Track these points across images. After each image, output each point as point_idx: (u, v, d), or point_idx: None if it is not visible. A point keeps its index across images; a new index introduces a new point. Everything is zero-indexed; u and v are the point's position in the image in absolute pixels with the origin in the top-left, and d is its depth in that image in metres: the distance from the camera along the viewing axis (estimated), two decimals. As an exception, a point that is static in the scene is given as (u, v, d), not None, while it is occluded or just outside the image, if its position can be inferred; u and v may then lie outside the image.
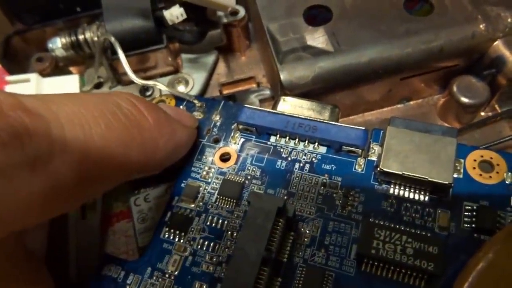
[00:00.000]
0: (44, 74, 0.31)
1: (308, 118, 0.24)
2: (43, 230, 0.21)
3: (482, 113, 0.30)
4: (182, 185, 0.24)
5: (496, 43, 0.28)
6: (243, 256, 0.20)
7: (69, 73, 0.33)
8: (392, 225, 0.21)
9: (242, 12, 0.32)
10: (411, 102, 0.31)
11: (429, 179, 0.21)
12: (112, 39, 0.27)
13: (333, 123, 0.24)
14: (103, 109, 0.17)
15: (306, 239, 0.22)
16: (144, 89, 0.31)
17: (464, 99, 0.28)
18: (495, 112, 0.29)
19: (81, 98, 0.17)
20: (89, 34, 0.30)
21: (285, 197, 0.23)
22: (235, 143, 0.25)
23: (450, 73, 0.29)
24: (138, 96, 0.21)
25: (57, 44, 0.30)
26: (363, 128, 0.23)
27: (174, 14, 0.27)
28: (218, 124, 0.26)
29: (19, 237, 0.18)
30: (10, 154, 0.13)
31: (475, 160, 0.23)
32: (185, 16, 0.27)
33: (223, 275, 0.21)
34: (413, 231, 0.20)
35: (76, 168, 0.15)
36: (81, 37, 0.30)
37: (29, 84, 0.30)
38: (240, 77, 0.33)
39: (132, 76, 0.27)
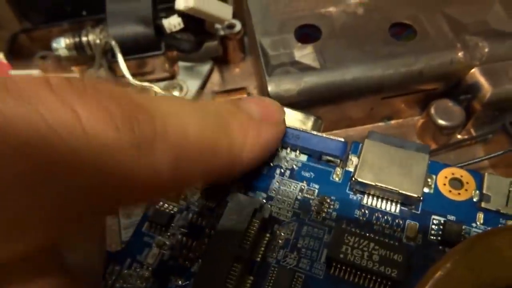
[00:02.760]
0: (46, 72, 0.32)
1: (292, 127, 0.24)
2: (93, 244, 0.19)
3: (459, 136, 0.30)
4: (167, 183, 0.24)
5: (472, 70, 0.28)
6: (217, 252, 0.20)
7: (71, 72, 0.33)
8: (362, 232, 0.21)
9: (238, 26, 0.32)
10: (392, 121, 0.32)
11: (400, 191, 0.21)
12: (113, 42, 0.28)
13: (315, 133, 0.24)
14: (197, 112, 0.18)
15: (280, 241, 0.22)
16: (141, 91, 0.32)
17: (441, 121, 0.28)
18: (470, 135, 0.30)
19: (178, 99, 0.18)
20: (92, 37, 0.31)
21: (264, 200, 0.23)
22: (221, 147, 0.25)
23: (429, 96, 0.29)
24: (225, 102, 0.21)
25: (61, 44, 0.31)
26: (343, 139, 0.24)
27: (172, 23, 0.27)
28: (206, 127, 0.26)
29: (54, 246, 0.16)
30: (121, 136, 0.14)
31: (446, 177, 0.23)
32: (182, 26, 0.28)
33: (198, 268, 0.21)
34: (381, 239, 0.21)
35: (172, 161, 0.15)
36: (84, 38, 0.31)
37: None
38: (232, 87, 0.33)
39: (128, 77, 0.27)
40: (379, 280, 0.20)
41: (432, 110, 0.28)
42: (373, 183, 0.22)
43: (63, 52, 0.31)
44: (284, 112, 0.23)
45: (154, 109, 0.16)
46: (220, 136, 0.19)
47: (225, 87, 0.33)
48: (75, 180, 0.13)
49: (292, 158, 0.24)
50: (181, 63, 0.33)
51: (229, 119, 0.19)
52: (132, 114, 0.14)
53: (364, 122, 0.31)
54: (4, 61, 0.36)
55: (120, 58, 0.27)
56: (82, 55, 0.31)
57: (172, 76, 0.32)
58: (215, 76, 0.34)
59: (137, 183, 0.15)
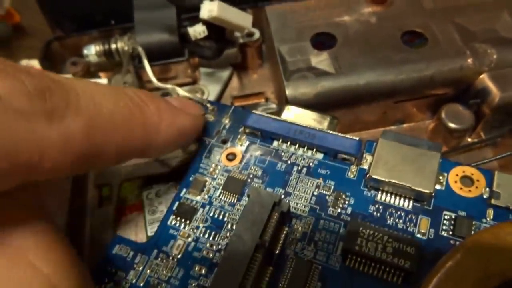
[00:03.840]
0: (76, 76, 0.33)
1: (309, 126, 0.25)
2: (62, 205, 0.21)
3: (469, 140, 0.31)
4: (191, 179, 0.25)
5: (482, 76, 0.29)
6: (239, 242, 0.21)
7: (98, 77, 0.35)
8: (377, 226, 0.22)
9: (257, 34, 0.34)
10: (404, 125, 0.32)
11: (413, 187, 0.22)
12: (140, 49, 0.29)
13: (331, 132, 0.25)
14: (111, 92, 0.20)
15: (298, 234, 0.23)
16: (164, 96, 0.33)
17: (451, 125, 0.29)
18: (480, 138, 0.31)
19: (94, 82, 0.20)
20: (120, 44, 0.32)
21: (282, 195, 0.24)
22: (241, 145, 0.26)
23: (440, 101, 0.30)
24: (141, 89, 0.22)
25: (91, 50, 0.32)
26: (357, 138, 0.25)
27: (197, 30, 0.29)
28: (227, 126, 0.27)
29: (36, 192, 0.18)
30: (33, 103, 0.15)
31: (457, 175, 0.24)
32: (206, 33, 0.29)
33: (221, 258, 0.22)
34: (394, 232, 0.21)
35: (85, 130, 0.17)
36: (113, 46, 0.32)
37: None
38: (251, 92, 0.34)
39: (154, 80, 0.28)
40: (392, 271, 0.20)
41: (443, 114, 0.29)
42: (387, 180, 0.22)
43: (93, 58, 0.32)
44: (202, 110, 0.26)
45: (69, 85, 0.17)
46: (135, 114, 0.20)
47: (244, 92, 0.34)
48: None
49: (309, 156, 0.25)
50: (202, 69, 0.34)
51: (146, 101, 0.21)
52: (46, 85, 0.16)
53: (377, 126, 0.32)
54: (38, 66, 0.38)
55: (146, 63, 0.29)
56: (110, 62, 0.33)
57: (194, 82, 0.34)
58: (234, 82, 0.35)
59: (50, 149, 0.16)
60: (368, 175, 0.23)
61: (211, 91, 0.33)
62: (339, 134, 0.25)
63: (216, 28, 0.31)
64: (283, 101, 0.30)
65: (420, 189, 0.22)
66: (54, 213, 0.19)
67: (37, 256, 0.16)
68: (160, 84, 0.28)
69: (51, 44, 0.34)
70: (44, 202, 0.19)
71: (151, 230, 0.28)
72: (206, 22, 0.30)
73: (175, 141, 0.23)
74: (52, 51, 0.34)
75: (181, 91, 0.28)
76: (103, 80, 0.33)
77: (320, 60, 0.30)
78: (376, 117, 0.31)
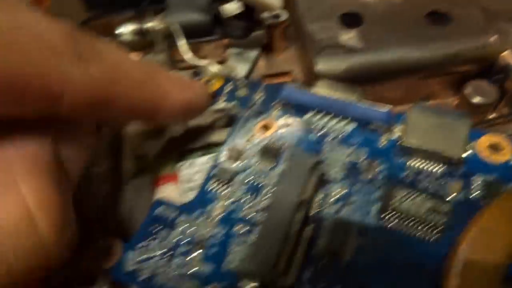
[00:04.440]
0: (110, 56, 0.34)
1: (339, 98, 0.27)
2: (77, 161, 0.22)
3: (492, 115, 0.32)
4: (227, 147, 0.26)
5: (504, 53, 0.30)
6: (281, 201, 0.22)
7: (130, 57, 0.36)
8: (410, 188, 0.23)
9: (284, 15, 0.35)
10: (428, 103, 0.33)
11: (443, 153, 0.23)
12: (176, 26, 0.31)
13: (362, 103, 0.26)
14: (130, 56, 0.22)
15: (332, 199, 0.24)
16: (195, 74, 0.34)
17: (476, 99, 0.30)
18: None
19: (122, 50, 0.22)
20: (153, 23, 0.33)
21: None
22: (275, 117, 0.27)
23: (463, 78, 0.31)
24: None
25: (125, 29, 0.33)
26: (387, 109, 0.26)
27: (232, 7, 0.30)
28: (260, 100, 0.28)
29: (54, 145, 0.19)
30: (65, 43, 0.17)
31: (485, 142, 0.25)
32: (240, 10, 0.30)
33: (264, 215, 0.23)
34: (428, 193, 0.22)
35: (105, 76, 0.19)
36: (146, 25, 0.33)
37: (99, 61, 0.33)
38: (278, 71, 0.35)
39: (190, 56, 0.29)
40: (427, 227, 0.22)
41: (467, 90, 0.30)
42: (418, 146, 0.24)
43: (126, 37, 0.33)
44: (207, 91, 0.28)
45: (97, 39, 0.19)
46: (148, 78, 0.22)
47: (271, 72, 0.35)
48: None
49: (340, 126, 0.26)
50: (230, 50, 0.35)
51: (159, 71, 0.24)
52: (79, 33, 0.18)
53: (401, 103, 0.33)
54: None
55: (182, 41, 0.30)
56: (142, 41, 0.34)
57: (222, 61, 0.35)
58: (261, 63, 0.36)
59: (72, 85, 0.17)
60: (399, 143, 0.24)
61: (240, 70, 0.34)
62: (371, 105, 0.26)
63: (246, 8, 0.32)
64: (311, 80, 0.31)
65: (451, 154, 0.23)
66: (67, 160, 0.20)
67: (25, 179, 0.17)
68: (195, 61, 0.30)
69: (85, 24, 0.35)
70: (56, 143, 0.19)
71: (187, 198, 0.29)
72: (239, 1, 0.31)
73: (180, 112, 0.25)
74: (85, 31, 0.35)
75: (215, 68, 0.29)
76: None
77: (348, 37, 0.31)
78: (401, 94, 0.32)
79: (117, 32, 0.34)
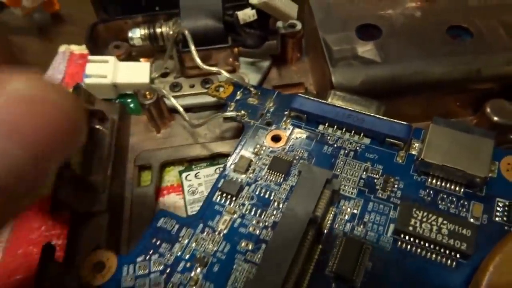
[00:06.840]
0: (118, 60, 0.33)
1: (356, 110, 0.25)
2: None
3: None
4: (236, 158, 0.25)
5: (529, 71, 0.29)
6: (292, 217, 0.20)
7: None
8: (429, 209, 0.21)
9: (299, 25, 0.34)
10: (446, 120, 0.32)
11: (467, 171, 0.22)
12: (186, 32, 0.30)
13: (380, 116, 0.25)
14: None
15: (346, 216, 0.22)
16: (204, 82, 0.33)
17: (496, 119, 0.29)
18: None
19: None
20: (165, 29, 0.32)
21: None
22: (285, 128, 0.26)
23: (483, 97, 0.30)
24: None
25: (137, 34, 0.33)
26: (407, 123, 0.24)
27: (247, 14, 0.29)
28: (271, 110, 0.27)
29: None
30: None
31: (509, 163, 0.23)
32: (256, 17, 0.29)
33: (273, 232, 0.21)
34: (449, 214, 0.21)
35: None
36: (158, 30, 0.32)
37: (107, 65, 0.32)
38: (290, 82, 0.34)
39: (199, 62, 0.29)
40: (447, 252, 0.20)
41: (488, 109, 0.29)
42: (440, 164, 0.22)
43: (137, 41, 0.33)
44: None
45: None
46: None
47: (283, 82, 0.34)
48: None
49: (356, 140, 0.25)
50: (242, 59, 0.34)
51: None
52: None
53: (418, 120, 0.31)
54: (77, 51, 0.38)
55: (192, 47, 0.29)
56: (153, 46, 0.33)
57: (234, 70, 0.34)
58: (273, 73, 0.35)
59: None
60: (420, 159, 0.23)
61: (251, 80, 0.33)
62: (389, 119, 0.25)
63: (261, 16, 0.31)
64: (326, 91, 0.29)
65: (475, 173, 0.22)
66: None
67: None
68: (205, 67, 0.29)
69: (96, 27, 0.34)
70: None
71: (191, 210, 0.28)
72: (253, 8, 0.30)
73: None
74: (96, 33, 0.34)
75: (227, 74, 0.28)
76: (145, 64, 0.33)
77: (366, 49, 0.29)
78: (419, 111, 0.31)
79: (129, 35, 0.33)
